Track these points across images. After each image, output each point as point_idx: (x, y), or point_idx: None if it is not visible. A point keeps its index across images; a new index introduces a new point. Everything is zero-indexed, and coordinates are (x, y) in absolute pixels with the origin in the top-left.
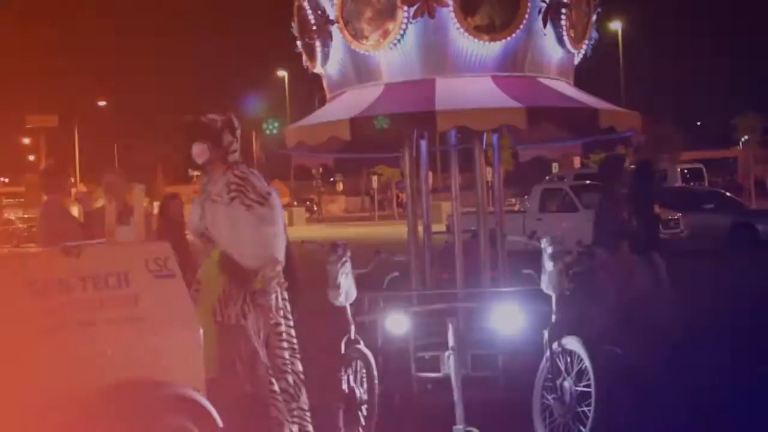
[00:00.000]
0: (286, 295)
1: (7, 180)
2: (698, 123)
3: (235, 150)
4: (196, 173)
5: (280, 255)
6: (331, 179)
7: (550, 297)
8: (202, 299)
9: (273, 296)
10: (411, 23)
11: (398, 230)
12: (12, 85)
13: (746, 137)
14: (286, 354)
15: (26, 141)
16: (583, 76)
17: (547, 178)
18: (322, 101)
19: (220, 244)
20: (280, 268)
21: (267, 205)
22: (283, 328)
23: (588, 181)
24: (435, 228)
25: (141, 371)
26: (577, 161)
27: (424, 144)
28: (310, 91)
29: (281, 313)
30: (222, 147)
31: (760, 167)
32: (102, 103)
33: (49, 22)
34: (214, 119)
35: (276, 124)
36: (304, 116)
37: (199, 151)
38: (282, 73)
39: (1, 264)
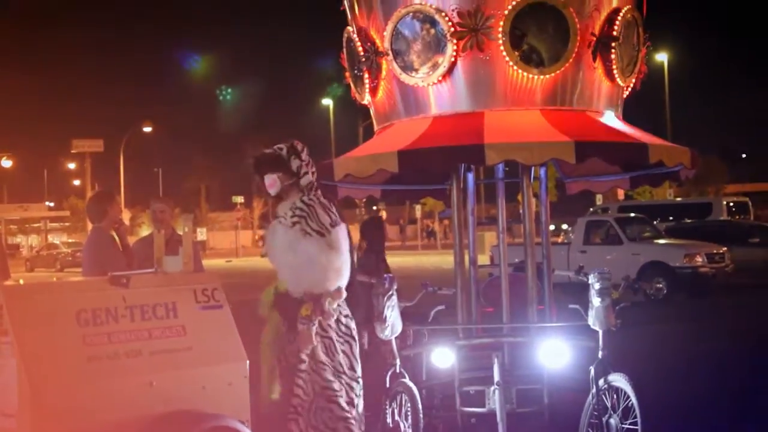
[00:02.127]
0: (352, 331)
1: (52, 204)
2: (743, 155)
3: (306, 173)
4: (239, 200)
5: (331, 287)
6: (374, 207)
7: (596, 333)
8: (263, 333)
9: (313, 327)
10: (460, 56)
11: (428, 260)
12: (59, 110)
13: None
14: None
15: (71, 165)
16: (630, 109)
17: (591, 209)
18: (367, 131)
19: (275, 266)
20: (329, 301)
21: (327, 237)
22: (323, 360)
23: (633, 214)
24: (479, 258)
25: (187, 402)
26: (620, 193)
27: (471, 176)
28: (354, 120)
29: (337, 347)
30: (291, 173)
31: None
32: (147, 129)
33: (97, 48)
34: (279, 147)
35: None
36: (348, 146)
37: (271, 182)
38: (327, 102)
39: (50, 293)
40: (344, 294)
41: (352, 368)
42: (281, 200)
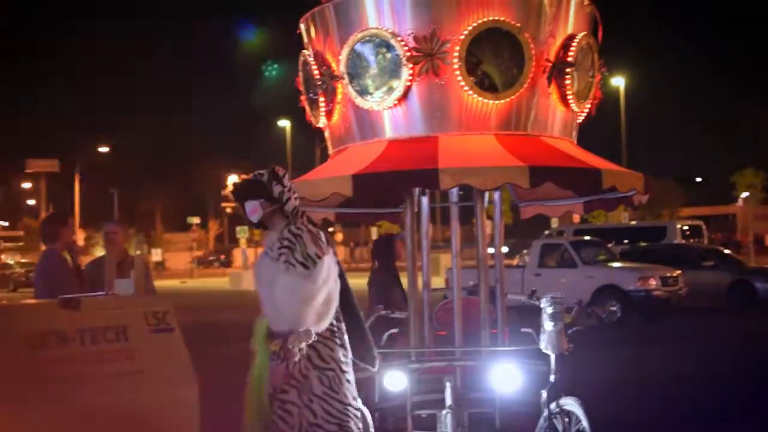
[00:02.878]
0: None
1: (6, 224)
2: (698, 179)
3: (288, 198)
4: (195, 221)
5: (301, 326)
6: (330, 229)
7: (548, 356)
8: (253, 368)
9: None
10: (416, 81)
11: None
12: (13, 129)
13: (746, 194)
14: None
15: (26, 185)
16: (587, 134)
17: (546, 232)
18: (325, 153)
19: (261, 301)
20: (295, 340)
21: (311, 270)
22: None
23: (587, 237)
24: (434, 281)
25: (137, 426)
26: (576, 216)
27: (425, 200)
28: (311, 142)
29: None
30: (273, 199)
31: (760, 224)
32: (104, 149)
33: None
34: (260, 173)
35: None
36: (306, 166)
37: (252, 208)
38: (284, 123)
39: None
40: (313, 337)
41: (357, 398)
42: (266, 229)
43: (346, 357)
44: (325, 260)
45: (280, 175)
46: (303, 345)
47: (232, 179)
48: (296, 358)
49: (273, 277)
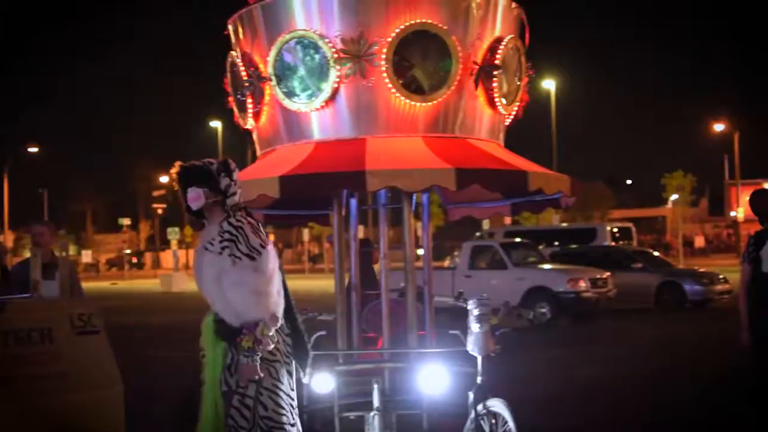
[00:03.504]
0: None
1: None
2: (628, 182)
3: (234, 193)
4: (125, 222)
5: (265, 313)
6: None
7: (476, 358)
8: (207, 368)
9: (257, 358)
10: (343, 83)
11: (316, 284)
12: None
13: (675, 196)
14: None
15: None
16: (516, 137)
17: (477, 234)
18: (255, 154)
19: (205, 296)
20: (264, 328)
21: (258, 260)
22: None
23: (518, 239)
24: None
25: (62, 428)
26: (507, 218)
27: (353, 202)
28: (243, 142)
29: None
30: (219, 190)
31: (689, 226)
32: (33, 149)
33: None
34: (210, 162)
35: None
36: (238, 168)
37: (195, 195)
38: (215, 124)
39: None
40: (280, 321)
41: (294, 390)
42: (203, 219)
43: (288, 348)
44: (270, 249)
45: (231, 168)
46: (272, 332)
47: (164, 179)
48: (270, 347)
49: (219, 272)
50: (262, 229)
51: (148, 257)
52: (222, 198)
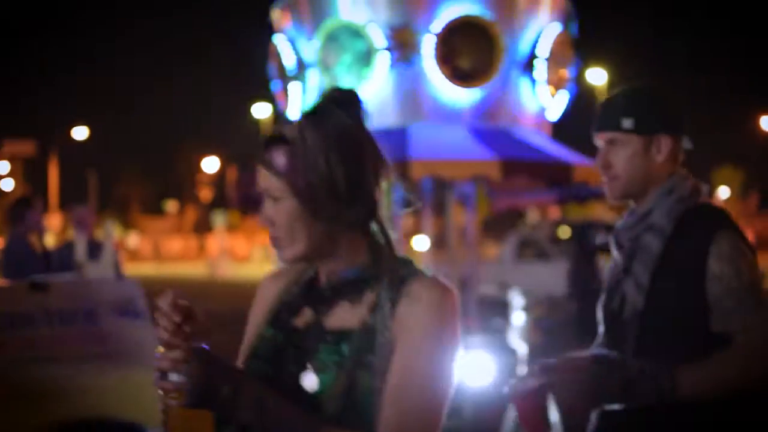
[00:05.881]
0: None
1: None
2: None
3: None
4: (171, 206)
5: None
6: None
7: (518, 349)
8: None
9: None
10: (388, 71)
11: None
12: None
13: (725, 190)
14: None
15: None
16: (561, 128)
17: (523, 225)
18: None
19: None
20: None
21: None
22: None
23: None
24: None
25: (104, 409)
26: (554, 210)
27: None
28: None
29: None
30: None
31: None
32: (81, 131)
33: (30, 47)
34: None
35: None
36: None
37: None
38: (259, 109)
39: None
40: None
41: None
42: None
43: None
44: None
45: None
46: None
47: (210, 163)
48: None
49: None
50: None
51: (193, 241)
52: None
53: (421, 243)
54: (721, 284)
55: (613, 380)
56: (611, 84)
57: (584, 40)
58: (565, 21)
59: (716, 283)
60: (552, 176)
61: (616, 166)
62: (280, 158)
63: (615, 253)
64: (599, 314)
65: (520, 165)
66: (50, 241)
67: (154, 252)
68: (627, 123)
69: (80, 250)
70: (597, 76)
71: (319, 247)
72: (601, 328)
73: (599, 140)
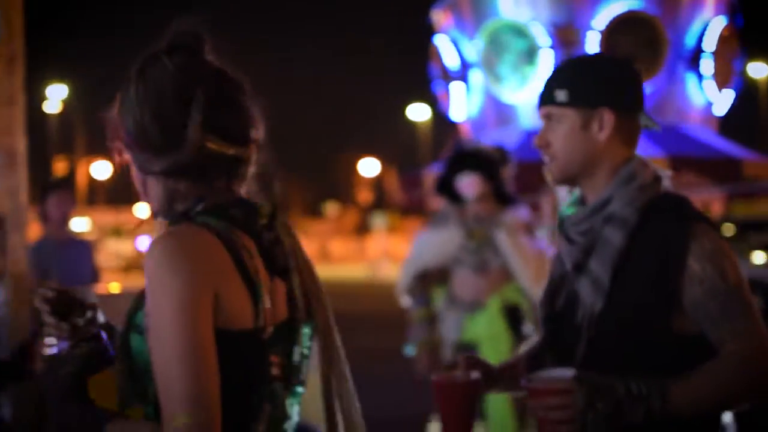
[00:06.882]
0: None
1: None
2: None
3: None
4: (332, 208)
5: None
6: None
7: None
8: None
9: None
10: (551, 68)
11: None
12: None
13: None
14: None
15: None
16: (730, 123)
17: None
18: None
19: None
20: None
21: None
22: None
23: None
24: None
25: None
26: (717, 207)
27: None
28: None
29: None
30: (498, 181)
31: None
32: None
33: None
34: (492, 151)
35: None
36: (435, 157)
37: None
38: (417, 112)
39: None
40: None
41: None
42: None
43: None
44: None
45: (508, 160)
46: None
47: (368, 165)
48: None
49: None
50: None
51: (353, 243)
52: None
53: None
54: (703, 286)
55: (601, 404)
56: None
57: (746, 33)
58: (730, 14)
59: (697, 284)
60: (721, 172)
61: (554, 145)
62: None
63: (563, 247)
64: (540, 315)
65: (689, 161)
66: None
67: (320, 253)
68: (561, 95)
69: None
70: (758, 70)
71: None
72: (541, 332)
73: (540, 117)
